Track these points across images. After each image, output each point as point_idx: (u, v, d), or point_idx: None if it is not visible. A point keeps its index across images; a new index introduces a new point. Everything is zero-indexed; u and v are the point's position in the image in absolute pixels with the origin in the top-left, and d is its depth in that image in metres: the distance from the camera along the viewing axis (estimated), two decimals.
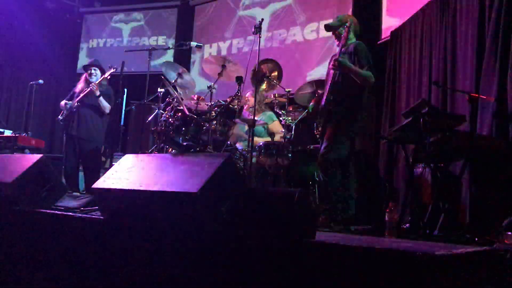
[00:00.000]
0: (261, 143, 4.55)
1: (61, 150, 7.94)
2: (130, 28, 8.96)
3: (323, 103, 3.84)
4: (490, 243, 2.49)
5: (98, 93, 5.27)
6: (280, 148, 4.41)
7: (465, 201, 3.48)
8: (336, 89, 3.78)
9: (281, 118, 4.71)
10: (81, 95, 5.32)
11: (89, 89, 5.28)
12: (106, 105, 5.37)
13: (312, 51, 6.77)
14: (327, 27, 3.96)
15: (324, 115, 3.83)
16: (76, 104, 5.32)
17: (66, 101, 5.44)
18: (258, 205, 2.10)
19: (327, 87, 3.83)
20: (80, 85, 5.51)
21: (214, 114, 4.37)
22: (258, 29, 4.01)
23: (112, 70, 5.38)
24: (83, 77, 5.58)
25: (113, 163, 5.44)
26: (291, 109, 4.67)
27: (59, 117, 5.44)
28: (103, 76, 5.40)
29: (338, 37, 3.90)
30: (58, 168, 6.35)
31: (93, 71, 5.48)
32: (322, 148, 3.76)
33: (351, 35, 3.90)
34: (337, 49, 3.85)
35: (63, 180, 5.30)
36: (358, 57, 3.71)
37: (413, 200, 3.67)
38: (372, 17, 6.02)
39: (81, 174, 5.77)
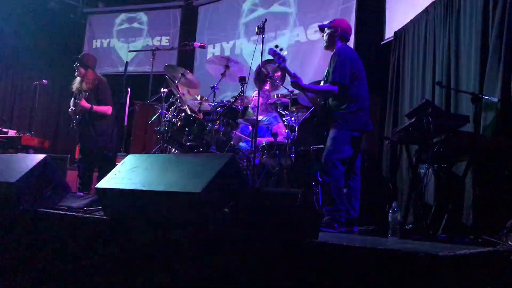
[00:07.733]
0: (264, 143, 4.55)
1: (64, 150, 8.01)
2: (134, 28, 8.97)
3: (321, 104, 3.89)
4: (494, 244, 2.49)
5: (88, 105, 5.04)
6: (283, 149, 4.41)
7: (469, 202, 3.47)
8: None
9: (284, 119, 4.71)
10: (75, 107, 5.13)
11: (75, 106, 5.12)
12: (104, 109, 5.15)
13: (316, 52, 6.76)
14: (321, 29, 4.00)
15: (323, 116, 3.86)
16: (78, 116, 5.16)
17: (72, 107, 5.23)
18: (261, 206, 2.10)
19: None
20: (74, 84, 5.29)
21: (217, 114, 4.38)
22: (261, 29, 4.01)
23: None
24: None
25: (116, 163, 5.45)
26: (294, 109, 4.66)
27: (73, 123, 5.27)
28: (85, 95, 5.06)
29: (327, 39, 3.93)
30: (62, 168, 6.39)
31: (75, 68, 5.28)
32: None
33: (338, 40, 3.90)
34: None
35: (79, 184, 5.32)
36: (333, 65, 3.71)
37: (417, 201, 3.67)
38: (376, 17, 6.02)
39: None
